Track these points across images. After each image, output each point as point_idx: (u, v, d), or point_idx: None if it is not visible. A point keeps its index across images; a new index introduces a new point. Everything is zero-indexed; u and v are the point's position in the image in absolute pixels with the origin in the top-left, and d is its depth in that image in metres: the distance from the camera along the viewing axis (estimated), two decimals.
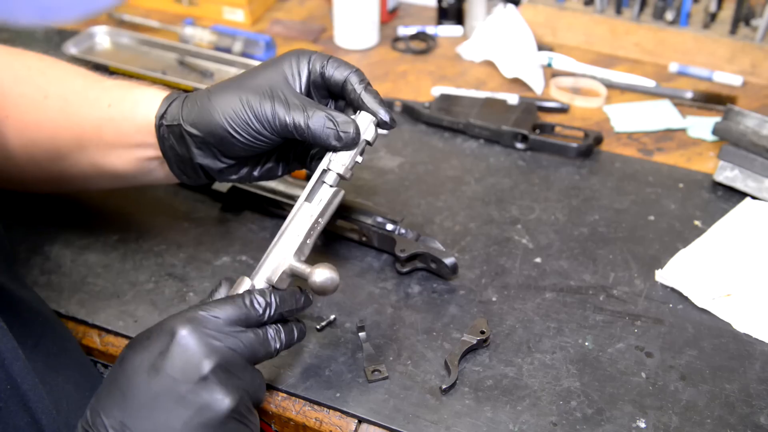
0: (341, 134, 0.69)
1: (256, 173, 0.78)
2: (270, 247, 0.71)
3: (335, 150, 0.71)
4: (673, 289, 0.90)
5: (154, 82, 0.95)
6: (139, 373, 0.61)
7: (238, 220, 1.01)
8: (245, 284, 0.69)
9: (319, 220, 0.71)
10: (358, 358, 0.82)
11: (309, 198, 0.71)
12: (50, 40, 1.37)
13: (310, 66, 0.71)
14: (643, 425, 0.75)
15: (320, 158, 0.74)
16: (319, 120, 0.68)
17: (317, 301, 0.87)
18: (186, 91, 0.84)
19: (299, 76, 0.71)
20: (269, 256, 0.70)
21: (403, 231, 0.92)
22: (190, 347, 0.61)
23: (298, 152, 0.79)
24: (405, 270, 0.91)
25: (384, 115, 0.71)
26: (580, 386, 0.79)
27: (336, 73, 0.71)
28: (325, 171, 0.72)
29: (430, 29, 1.43)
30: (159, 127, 0.75)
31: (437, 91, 1.26)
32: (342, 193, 0.72)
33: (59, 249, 0.96)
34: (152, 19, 1.43)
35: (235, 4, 1.44)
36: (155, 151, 0.78)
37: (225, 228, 0.99)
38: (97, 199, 1.04)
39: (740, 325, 0.85)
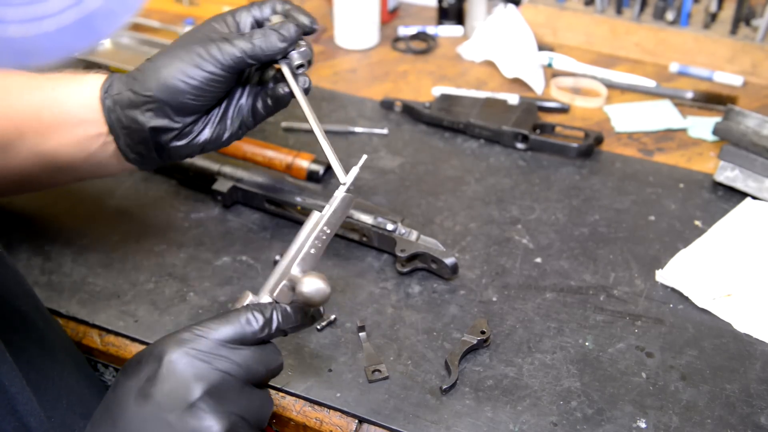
0: (283, 33, 0.73)
1: (207, 132, 0.77)
2: (279, 261, 0.67)
3: (285, 52, 0.74)
4: (673, 289, 0.90)
5: None
6: (128, 399, 0.58)
7: (238, 220, 1.01)
8: (246, 299, 0.65)
9: (326, 229, 0.67)
10: (358, 358, 0.82)
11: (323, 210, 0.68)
12: None
13: (238, 17, 0.76)
14: (643, 425, 0.75)
15: (267, 101, 0.78)
16: (258, 35, 0.72)
17: None
18: None
19: (228, 27, 0.76)
20: (275, 269, 0.66)
21: (403, 231, 0.92)
22: (177, 372, 0.58)
23: (245, 99, 0.80)
24: (405, 270, 0.91)
25: (304, 19, 0.76)
26: (581, 386, 0.79)
27: (264, 8, 0.77)
28: (287, 67, 0.74)
29: (431, 29, 1.43)
30: (104, 99, 0.75)
31: (438, 91, 1.26)
32: (352, 199, 0.69)
33: (59, 249, 0.96)
34: (152, 19, 1.43)
35: (235, 4, 1.44)
36: (99, 128, 0.76)
37: (225, 228, 0.99)
38: (97, 199, 1.04)
39: (741, 325, 0.85)
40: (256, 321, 0.61)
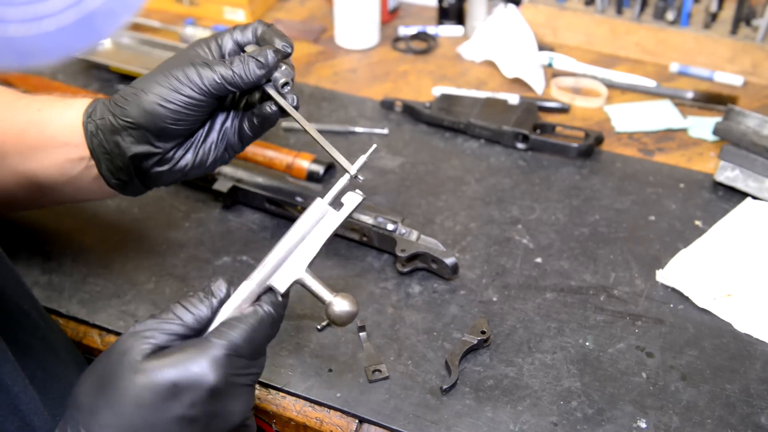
0: (260, 60, 0.72)
1: (189, 157, 0.76)
2: (277, 246, 0.65)
3: (265, 77, 0.73)
4: (673, 289, 0.90)
5: None
6: (171, 423, 0.57)
7: (238, 220, 1.01)
8: (247, 292, 0.63)
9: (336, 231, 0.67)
10: (358, 358, 0.82)
11: (334, 204, 0.67)
12: None
13: (220, 41, 0.75)
14: (643, 425, 0.75)
15: (254, 122, 0.76)
16: (237, 62, 0.72)
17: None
18: None
19: (211, 51, 0.75)
20: (277, 258, 0.65)
21: (403, 231, 0.92)
22: (230, 405, 0.59)
23: (230, 122, 0.79)
24: (405, 270, 0.91)
25: (279, 44, 0.74)
26: (581, 386, 0.79)
27: (246, 32, 0.76)
28: (273, 88, 0.73)
29: (431, 29, 1.43)
30: (87, 124, 0.75)
31: (438, 91, 1.25)
32: (363, 199, 0.68)
33: (59, 249, 0.96)
34: (153, 19, 1.43)
35: (235, 4, 1.44)
36: (81, 152, 0.76)
37: (225, 228, 0.99)
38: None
39: (741, 325, 0.85)
40: (274, 323, 0.63)
